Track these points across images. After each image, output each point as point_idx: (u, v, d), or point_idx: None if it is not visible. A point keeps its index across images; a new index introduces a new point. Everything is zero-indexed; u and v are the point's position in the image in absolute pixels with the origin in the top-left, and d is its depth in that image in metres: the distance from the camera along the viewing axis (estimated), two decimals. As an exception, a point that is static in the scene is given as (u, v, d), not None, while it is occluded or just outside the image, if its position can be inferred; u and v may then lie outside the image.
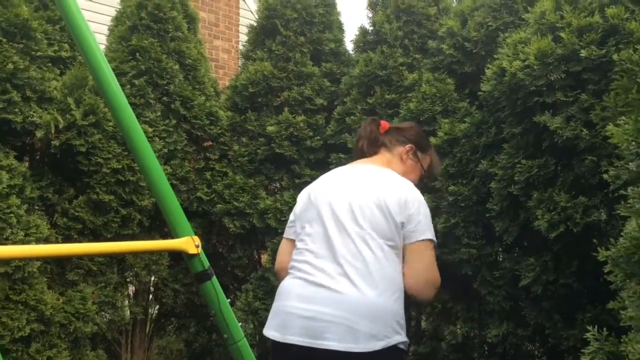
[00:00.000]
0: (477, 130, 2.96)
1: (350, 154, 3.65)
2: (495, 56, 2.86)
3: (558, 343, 2.66)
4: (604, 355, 0.96)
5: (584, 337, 1.03)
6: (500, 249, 3.04)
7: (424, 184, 2.31)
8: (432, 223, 1.85)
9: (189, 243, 1.51)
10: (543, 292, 2.62)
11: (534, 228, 2.53)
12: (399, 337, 1.68)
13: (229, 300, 1.86)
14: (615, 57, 2.17)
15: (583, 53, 2.30)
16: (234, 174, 4.01)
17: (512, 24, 3.03)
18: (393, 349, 1.65)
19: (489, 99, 2.89)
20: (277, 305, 1.78)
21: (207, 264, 1.69)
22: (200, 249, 1.60)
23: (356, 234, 1.71)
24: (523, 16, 2.85)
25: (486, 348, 3.13)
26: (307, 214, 1.85)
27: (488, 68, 2.81)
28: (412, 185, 1.88)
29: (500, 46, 2.86)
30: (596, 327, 1.03)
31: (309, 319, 1.65)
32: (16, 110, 3.12)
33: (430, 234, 1.79)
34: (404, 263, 1.76)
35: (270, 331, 1.75)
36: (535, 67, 2.43)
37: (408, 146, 2.02)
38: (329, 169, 3.79)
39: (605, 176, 2.12)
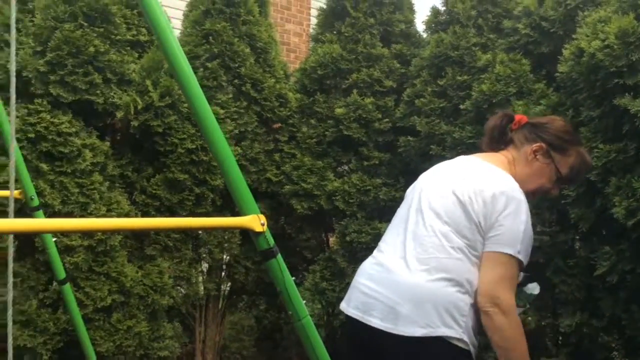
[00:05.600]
0: (553, 112, 2.85)
1: (419, 137, 3.61)
2: (573, 36, 2.73)
3: (636, 335, 2.55)
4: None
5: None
6: (577, 237, 2.92)
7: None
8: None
9: (254, 221, 1.54)
10: (619, 282, 2.51)
11: (611, 215, 2.42)
12: (448, 331, 1.56)
13: (295, 279, 1.91)
14: None
15: (669, 30, 2.16)
16: (302, 155, 4.05)
17: (591, 2, 2.89)
18: (438, 340, 1.55)
19: (566, 81, 2.77)
20: (353, 280, 1.84)
21: (272, 242, 1.72)
22: (265, 227, 1.63)
23: (430, 222, 1.67)
24: (604, -7, 2.71)
25: (559, 337, 3.05)
26: (407, 198, 1.87)
27: (565, 48, 2.70)
28: (511, 184, 1.67)
29: (579, 25, 2.74)
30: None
31: (364, 295, 1.70)
32: (97, 92, 3.29)
33: (511, 249, 1.58)
34: None
35: (342, 302, 1.82)
36: (616, 46, 2.31)
37: (536, 145, 1.77)
38: (398, 152, 3.85)
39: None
